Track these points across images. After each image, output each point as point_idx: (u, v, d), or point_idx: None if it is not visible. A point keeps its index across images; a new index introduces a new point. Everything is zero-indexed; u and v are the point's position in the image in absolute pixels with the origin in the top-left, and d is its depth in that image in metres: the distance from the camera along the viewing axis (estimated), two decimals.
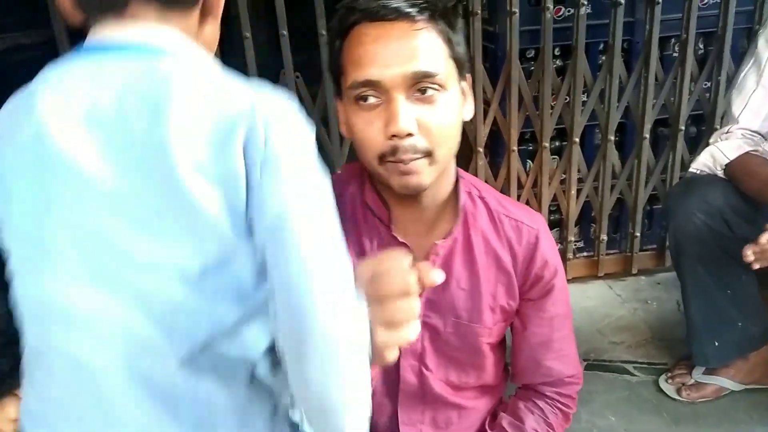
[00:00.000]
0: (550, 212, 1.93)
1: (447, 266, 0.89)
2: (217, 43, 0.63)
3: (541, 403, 1.00)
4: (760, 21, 1.75)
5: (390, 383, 0.93)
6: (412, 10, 0.75)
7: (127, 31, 0.55)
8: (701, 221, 1.29)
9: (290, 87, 1.61)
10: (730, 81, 1.77)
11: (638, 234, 1.95)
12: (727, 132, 1.35)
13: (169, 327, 0.53)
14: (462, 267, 0.90)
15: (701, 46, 1.84)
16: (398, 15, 0.75)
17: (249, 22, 1.57)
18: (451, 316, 0.91)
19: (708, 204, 1.28)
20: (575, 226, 1.96)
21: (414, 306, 0.57)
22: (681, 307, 1.48)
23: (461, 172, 0.91)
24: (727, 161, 1.29)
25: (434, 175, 0.80)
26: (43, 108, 0.54)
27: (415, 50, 0.75)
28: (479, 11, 1.61)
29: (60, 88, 0.55)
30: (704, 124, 1.88)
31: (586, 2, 1.65)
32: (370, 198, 0.88)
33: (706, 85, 1.82)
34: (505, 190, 1.80)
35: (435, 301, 0.90)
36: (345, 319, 0.51)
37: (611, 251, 2.01)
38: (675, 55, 1.80)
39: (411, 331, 0.57)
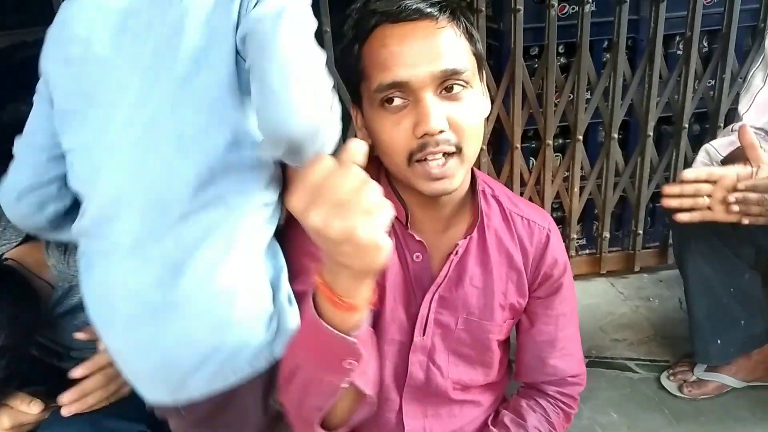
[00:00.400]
0: (553, 210, 1.94)
1: (461, 264, 0.90)
2: None
3: (543, 402, 1.01)
4: (765, 19, 1.74)
5: (397, 377, 0.94)
6: (433, 9, 0.75)
7: None
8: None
9: None
10: (735, 79, 1.78)
11: (641, 231, 1.96)
12: (731, 131, 1.35)
13: None
14: (476, 265, 0.91)
15: (706, 44, 1.83)
16: (420, 15, 0.75)
17: None
18: (462, 313, 0.92)
19: None
20: (578, 223, 1.96)
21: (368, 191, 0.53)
22: (683, 304, 1.48)
23: (475, 170, 0.91)
24: (722, 158, 1.29)
25: (463, 175, 0.80)
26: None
27: (441, 48, 0.74)
28: (483, 8, 1.61)
29: None
30: (708, 122, 1.87)
31: (590, 0, 1.65)
32: (387, 196, 0.88)
33: (710, 83, 1.82)
34: (507, 188, 1.80)
35: (447, 298, 0.91)
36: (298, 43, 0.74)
37: (614, 249, 2.01)
38: (679, 52, 1.80)
39: (381, 214, 0.54)
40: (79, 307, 1.00)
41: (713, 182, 1.07)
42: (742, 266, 1.33)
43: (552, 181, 1.85)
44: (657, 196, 1.96)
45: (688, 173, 1.09)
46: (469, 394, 0.99)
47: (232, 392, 0.81)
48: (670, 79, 1.77)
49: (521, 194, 1.84)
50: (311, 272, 0.66)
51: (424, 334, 0.91)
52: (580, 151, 1.82)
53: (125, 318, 0.81)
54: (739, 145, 1.27)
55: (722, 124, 1.79)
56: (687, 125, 1.81)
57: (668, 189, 1.11)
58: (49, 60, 0.85)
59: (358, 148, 0.53)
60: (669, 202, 1.10)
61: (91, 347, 0.97)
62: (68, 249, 1.00)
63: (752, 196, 1.04)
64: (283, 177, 0.88)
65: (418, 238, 0.87)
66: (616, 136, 1.81)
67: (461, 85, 0.76)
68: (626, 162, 1.87)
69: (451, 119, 0.75)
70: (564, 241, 1.92)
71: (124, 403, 0.97)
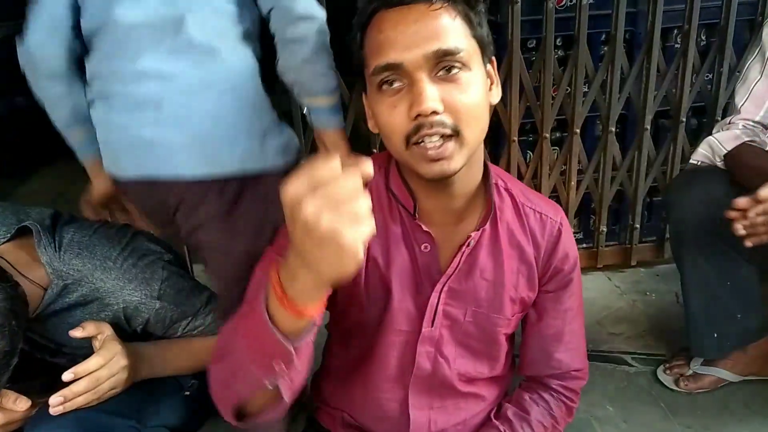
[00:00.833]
0: None
1: (473, 256, 0.90)
2: None
3: (546, 396, 1.01)
4: (763, 13, 1.74)
5: (404, 368, 0.93)
6: None
7: None
8: (702, 213, 1.29)
9: None
10: (732, 73, 1.77)
11: (638, 226, 1.96)
12: (729, 123, 1.34)
13: None
14: (487, 258, 0.90)
15: (703, 37, 1.83)
16: None
17: None
18: (471, 305, 0.92)
19: (709, 195, 1.28)
20: (575, 217, 1.96)
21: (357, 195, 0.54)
22: (680, 298, 1.48)
23: (488, 163, 0.90)
24: (725, 152, 1.29)
25: (464, 159, 0.78)
26: None
27: (435, 30, 0.74)
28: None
29: None
30: (706, 116, 1.87)
31: None
32: (396, 185, 0.88)
33: (708, 76, 1.82)
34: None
35: (457, 290, 0.90)
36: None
37: (611, 243, 2.01)
38: (677, 46, 1.80)
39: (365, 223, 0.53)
40: (75, 306, 0.99)
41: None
42: (739, 261, 1.33)
43: (549, 174, 1.85)
44: (654, 190, 1.96)
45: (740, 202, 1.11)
46: (474, 386, 0.99)
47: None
48: (667, 73, 1.77)
49: None
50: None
51: (432, 325, 0.91)
52: (578, 145, 1.82)
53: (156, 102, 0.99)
54: (743, 140, 1.27)
55: (720, 118, 1.79)
56: (684, 119, 1.81)
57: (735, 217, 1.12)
58: None
59: (368, 166, 0.54)
60: (741, 231, 1.12)
61: (85, 344, 0.97)
62: (62, 245, 0.99)
63: None
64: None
65: (425, 228, 0.87)
66: (613, 129, 1.81)
67: (458, 67, 0.75)
68: (623, 156, 1.87)
69: (447, 100, 0.74)
70: None
71: (113, 399, 0.97)
